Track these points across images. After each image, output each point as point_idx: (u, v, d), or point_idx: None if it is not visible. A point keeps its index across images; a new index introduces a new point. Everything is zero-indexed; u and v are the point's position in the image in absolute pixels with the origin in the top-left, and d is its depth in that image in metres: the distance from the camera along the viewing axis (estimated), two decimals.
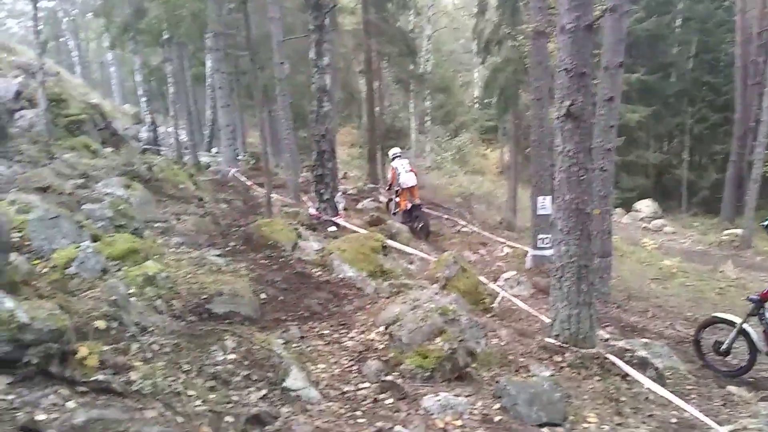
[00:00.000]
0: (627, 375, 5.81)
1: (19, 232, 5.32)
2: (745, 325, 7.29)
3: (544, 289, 9.95)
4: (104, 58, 46.09)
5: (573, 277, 6.13)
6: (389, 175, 14.93)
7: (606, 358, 6.02)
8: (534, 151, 12.95)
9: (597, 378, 5.74)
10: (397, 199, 14.64)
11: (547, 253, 11.88)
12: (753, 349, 7.16)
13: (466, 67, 46.20)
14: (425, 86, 29.15)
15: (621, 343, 6.97)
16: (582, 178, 6.00)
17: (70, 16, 45.70)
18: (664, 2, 30.36)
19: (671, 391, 5.67)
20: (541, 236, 12.15)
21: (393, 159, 14.81)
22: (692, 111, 30.41)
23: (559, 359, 6.02)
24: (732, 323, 7.40)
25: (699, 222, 26.95)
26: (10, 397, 2.81)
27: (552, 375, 5.47)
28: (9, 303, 3.01)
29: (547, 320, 6.99)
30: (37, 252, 5.18)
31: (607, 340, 7.40)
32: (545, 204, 12.14)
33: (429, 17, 31.69)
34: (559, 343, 6.23)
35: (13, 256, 4.36)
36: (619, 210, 26.17)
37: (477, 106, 41.74)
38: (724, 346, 7.42)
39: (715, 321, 7.75)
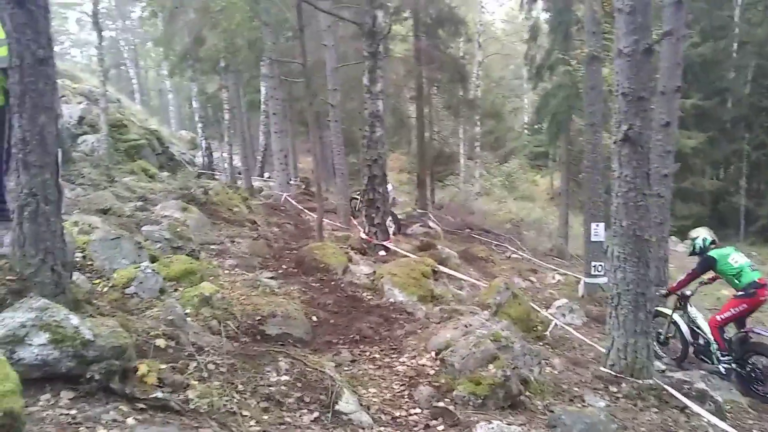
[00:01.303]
0: (685, 407, 5.61)
1: (81, 252, 5.49)
2: (674, 316, 8.18)
3: (597, 318, 9.76)
4: (162, 86, 47.68)
5: (630, 305, 5.98)
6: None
7: (664, 390, 5.83)
8: (587, 176, 12.80)
9: (654, 410, 5.56)
10: None
11: (601, 281, 11.67)
12: (683, 338, 8.04)
13: (516, 93, 46.13)
14: (475, 112, 29.12)
15: (678, 375, 6.75)
16: (640, 203, 5.88)
17: (131, 45, 47.47)
18: (720, 27, 29.80)
19: (731, 425, 5.46)
20: (594, 263, 11.93)
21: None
22: (750, 137, 29.62)
23: (615, 390, 5.86)
24: (666, 315, 8.31)
25: (757, 251, 25.99)
26: (72, 411, 2.87)
27: (607, 406, 5.33)
28: (74, 320, 3.10)
29: (602, 349, 6.83)
30: (98, 271, 5.33)
31: (663, 371, 7.18)
32: (599, 231, 11.96)
33: (480, 43, 31.75)
34: (614, 373, 6.07)
35: (76, 275, 4.50)
36: (674, 238, 25.47)
37: (527, 132, 41.57)
38: (662, 337, 8.40)
39: (658, 314, 8.44)
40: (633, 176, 5.88)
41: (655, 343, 8.07)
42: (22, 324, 2.93)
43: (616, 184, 6.03)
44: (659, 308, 8.61)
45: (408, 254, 10.39)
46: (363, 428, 3.94)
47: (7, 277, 3.55)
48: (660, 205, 9.65)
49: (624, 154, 5.90)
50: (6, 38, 3.55)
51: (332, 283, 7.83)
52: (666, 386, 5.90)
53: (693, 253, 8.52)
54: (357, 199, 16.52)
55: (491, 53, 37.22)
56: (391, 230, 11.50)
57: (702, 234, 8.45)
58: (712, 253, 8.02)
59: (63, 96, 16.98)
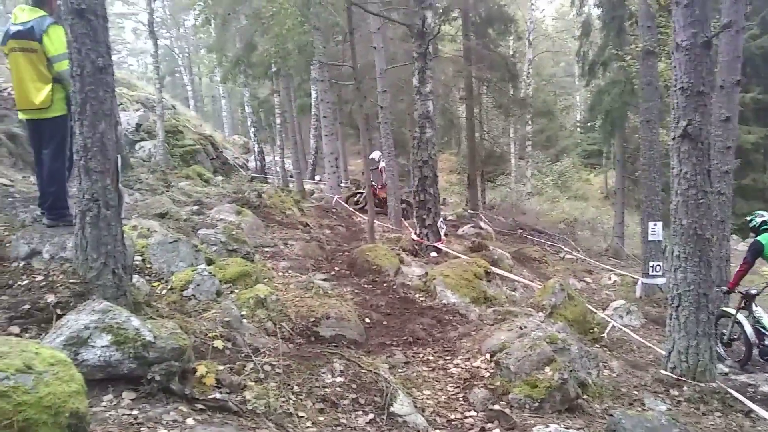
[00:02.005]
0: (751, 411, 5.41)
1: (140, 255, 5.63)
2: (738, 316, 7.79)
3: (656, 319, 9.54)
4: (216, 92, 48.50)
5: (691, 306, 5.82)
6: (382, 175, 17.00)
7: (727, 393, 5.64)
8: (644, 174, 12.55)
9: (718, 414, 5.38)
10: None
11: (659, 281, 11.40)
12: (747, 339, 7.62)
13: (568, 91, 45.36)
14: (526, 111, 28.77)
15: (742, 378, 6.53)
16: (700, 201, 5.72)
17: (185, 52, 48.57)
18: None
19: None
20: (652, 263, 11.67)
21: (380, 160, 17.06)
22: None
23: (676, 393, 5.70)
24: (730, 315, 7.96)
25: None
26: (134, 412, 2.93)
27: (669, 409, 5.18)
28: (135, 322, 3.17)
29: (662, 352, 6.66)
30: (157, 274, 5.45)
31: (726, 374, 6.96)
32: (656, 230, 11.69)
33: (530, 41, 31.34)
34: (675, 376, 5.91)
35: (136, 278, 4.61)
36: (735, 237, 24.65)
37: (579, 130, 40.82)
38: (726, 337, 8.00)
39: (723, 315, 8.17)
40: (693, 173, 5.73)
41: (719, 345, 7.81)
42: (86, 326, 3.01)
43: (676, 181, 5.88)
44: (724, 308, 8.33)
45: (460, 255, 10.31)
46: (418, 430, 3.92)
47: (70, 280, 3.66)
48: (721, 202, 9.38)
49: (683, 151, 5.75)
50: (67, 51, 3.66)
51: (384, 284, 7.84)
52: (730, 389, 5.71)
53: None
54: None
55: (542, 51, 36.71)
56: (442, 231, 11.41)
57: (760, 213, 8.07)
58: (760, 237, 7.74)
59: (121, 104, 17.46)
